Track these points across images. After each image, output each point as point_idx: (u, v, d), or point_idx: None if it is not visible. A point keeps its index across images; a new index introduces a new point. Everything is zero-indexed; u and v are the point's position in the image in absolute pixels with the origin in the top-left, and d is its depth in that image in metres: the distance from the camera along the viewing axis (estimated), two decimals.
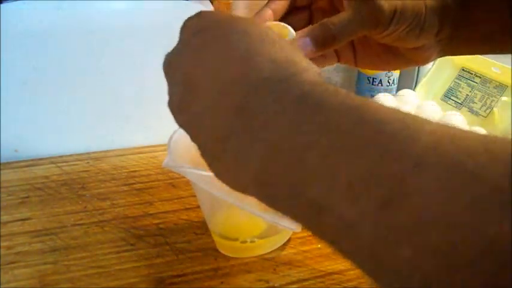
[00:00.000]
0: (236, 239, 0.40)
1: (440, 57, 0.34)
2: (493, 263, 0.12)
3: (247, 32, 0.22)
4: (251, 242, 0.40)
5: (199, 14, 0.25)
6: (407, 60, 0.34)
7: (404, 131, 0.15)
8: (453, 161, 0.14)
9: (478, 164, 0.13)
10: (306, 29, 0.29)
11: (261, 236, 0.40)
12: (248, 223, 0.41)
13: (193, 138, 0.23)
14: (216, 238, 0.41)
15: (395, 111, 0.17)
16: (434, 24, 0.30)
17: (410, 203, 0.14)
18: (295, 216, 0.19)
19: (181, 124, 0.24)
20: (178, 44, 0.25)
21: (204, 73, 0.22)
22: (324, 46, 0.29)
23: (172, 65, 0.25)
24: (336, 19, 0.29)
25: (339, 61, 0.35)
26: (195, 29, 0.23)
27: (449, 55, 0.34)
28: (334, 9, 0.33)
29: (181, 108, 0.23)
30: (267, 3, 0.32)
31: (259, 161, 0.19)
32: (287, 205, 0.19)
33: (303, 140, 0.17)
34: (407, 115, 0.16)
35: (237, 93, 0.20)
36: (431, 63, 0.67)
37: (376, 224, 0.15)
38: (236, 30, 0.22)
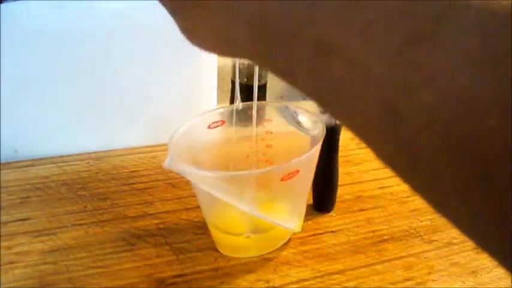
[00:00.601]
0: (234, 234, 0.41)
1: None
2: None
3: None
4: (247, 237, 0.40)
5: None
6: None
7: None
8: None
9: None
10: None
11: (257, 231, 0.40)
12: (245, 218, 0.41)
13: None
14: (215, 237, 0.41)
15: None
16: None
17: (444, 41, 0.12)
18: (292, 58, 0.16)
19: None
20: None
21: None
22: None
23: None
24: None
25: None
26: None
27: None
28: None
29: None
30: None
31: (257, 6, 0.16)
32: (283, 48, 0.16)
33: None
34: None
35: None
36: None
37: (397, 65, 0.13)
38: None
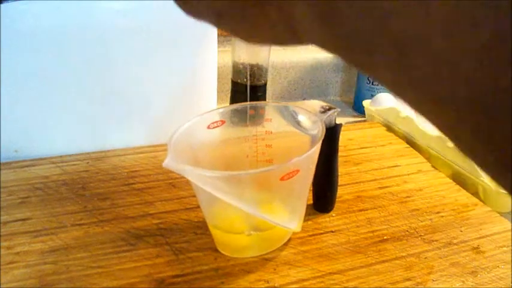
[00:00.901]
0: (235, 232, 0.41)
1: None
2: None
3: None
4: (248, 235, 0.40)
5: None
6: None
7: None
8: None
9: None
10: None
11: (258, 229, 0.40)
12: (245, 217, 0.41)
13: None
14: (216, 237, 0.41)
15: None
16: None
17: None
18: (372, 53, 0.15)
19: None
20: None
21: None
22: None
23: None
24: None
25: None
26: None
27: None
28: None
29: None
30: None
31: None
32: (362, 43, 0.15)
33: None
34: None
35: None
36: None
37: (478, 61, 0.12)
38: None
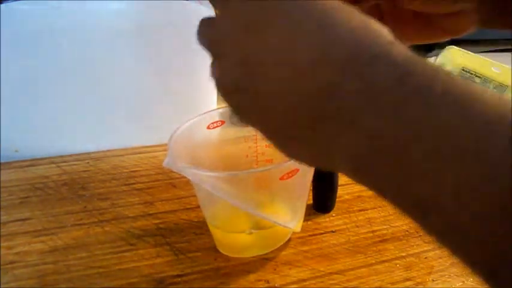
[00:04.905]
0: (235, 232, 0.41)
1: (482, 27, 0.29)
2: None
3: (312, 3, 0.19)
4: (249, 233, 0.40)
5: None
6: (442, 30, 0.30)
7: None
8: None
9: None
10: None
11: (259, 228, 0.40)
12: (246, 216, 0.41)
13: (255, 118, 0.22)
14: (216, 237, 0.41)
15: (503, 108, 0.15)
16: None
17: None
18: (398, 208, 0.18)
19: (237, 104, 0.22)
20: (224, 19, 0.22)
21: (270, 52, 0.20)
22: None
23: (222, 43, 0.22)
24: None
25: None
26: (245, 4, 0.21)
27: (490, 27, 0.29)
28: None
29: (242, 90, 0.21)
30: None
31: (357, 148, 0.18)
32: (388, 196, 0.18)
33: (407, 132, 0.16)
34: None
35: (321, 74, 0.18)
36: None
37: (491, 232, 0.14)
38: (297, 1, 0.19)
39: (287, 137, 0.21)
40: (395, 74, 0.17)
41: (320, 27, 0.18)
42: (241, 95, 0.21)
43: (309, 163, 0.21)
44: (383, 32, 0.19)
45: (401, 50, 0.18)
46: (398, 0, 0.28)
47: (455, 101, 0.15)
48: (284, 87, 0.19)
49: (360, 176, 0.19)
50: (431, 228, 0.17)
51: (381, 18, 0.31)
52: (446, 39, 0.31)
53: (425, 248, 0.43)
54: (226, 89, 0.22)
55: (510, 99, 0.15)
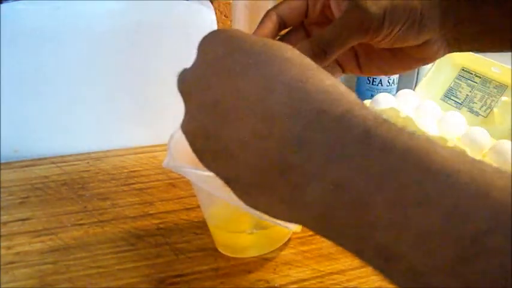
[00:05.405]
0: (236, 231, 0.40)
1: (450, 52, 0.32)
2: None
3: (287, 57, 0.20)
4: (250, 233, 0.40)
5: (219, 34, 0.23)
6: (415, 59, 0.32)
7: (473, 185, 0.15)
8: None
9: None
10: (296, 47, 0.25)
11: (260, 227, 0.40)
12: (246, 215, 0.41)
13: (222, 167, 0.22)
14: (216, 237, 0.41)
15: (463, 159, 0.16)
16: (435, 17, 0.28)
17: (487, 263, 0.14)
18: (361, 257, 0.18)
19: (202, 151, 0.23)
20: (199, 64, 0.23)
21: (241, 100, 0.20)
22: (316, 62, 0.26)
23: (194, 86, 0.23)
24: (325, 33, 0.28)
25: (344, 72, 0.34)
26: (221, 51, 0.22)
27: (458, 51, 0.32)
28: (328, 20, 0.31)
29: (208, 135, 0.22)
30: (255, 30, 0.30)
31: (321, 198, 0.18)
32: (350, 245, 0.19)
33: (370, 183, 0.17)
34: (474, 164, 0.16)
35: (292, 126, 0.19)
36: (431, 63, 0.67)
37: (450, 277, 0.15)
38: (273, 54, 0.20)
39: (249, 185, 0.21)
40: (362, 130, 0.18)
41: (295, 82, 0.19)
42: (208, 140, 0.22)
43: (268, 212, 0.22)
44: (351, 94, 0.20)
45: (368, 110, 0.19)
46: (370, 41, 0.29)
47: (417, 157, 0.17)
48: (253, 135, 0.20)
49: (322, 225, 0.19)
50: (392, 276, 0.17)
51: (355, 55, 0.33)
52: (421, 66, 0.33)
53: None
54: (193, 132, 0.23)
55: (466, 154, 0.17)
